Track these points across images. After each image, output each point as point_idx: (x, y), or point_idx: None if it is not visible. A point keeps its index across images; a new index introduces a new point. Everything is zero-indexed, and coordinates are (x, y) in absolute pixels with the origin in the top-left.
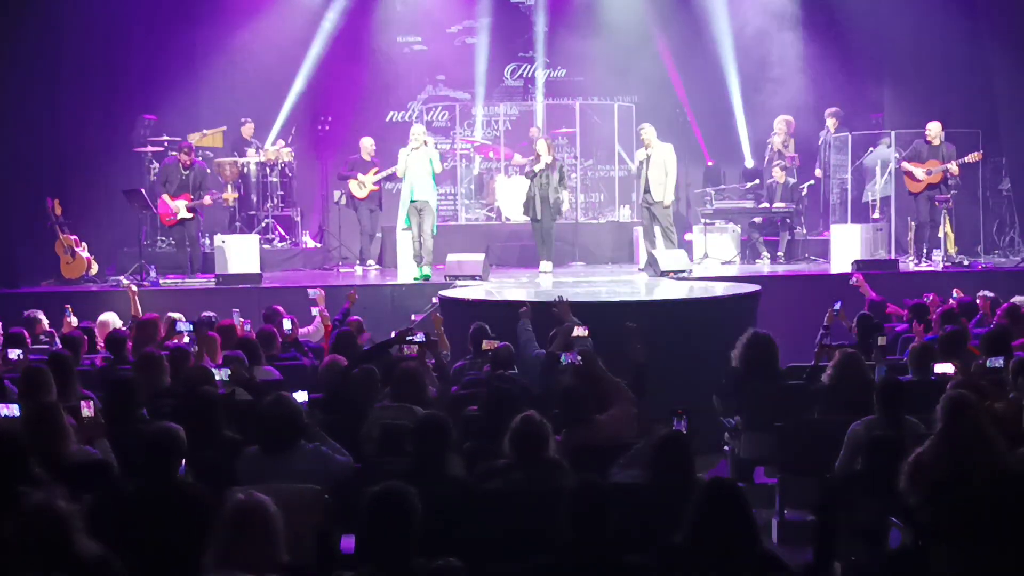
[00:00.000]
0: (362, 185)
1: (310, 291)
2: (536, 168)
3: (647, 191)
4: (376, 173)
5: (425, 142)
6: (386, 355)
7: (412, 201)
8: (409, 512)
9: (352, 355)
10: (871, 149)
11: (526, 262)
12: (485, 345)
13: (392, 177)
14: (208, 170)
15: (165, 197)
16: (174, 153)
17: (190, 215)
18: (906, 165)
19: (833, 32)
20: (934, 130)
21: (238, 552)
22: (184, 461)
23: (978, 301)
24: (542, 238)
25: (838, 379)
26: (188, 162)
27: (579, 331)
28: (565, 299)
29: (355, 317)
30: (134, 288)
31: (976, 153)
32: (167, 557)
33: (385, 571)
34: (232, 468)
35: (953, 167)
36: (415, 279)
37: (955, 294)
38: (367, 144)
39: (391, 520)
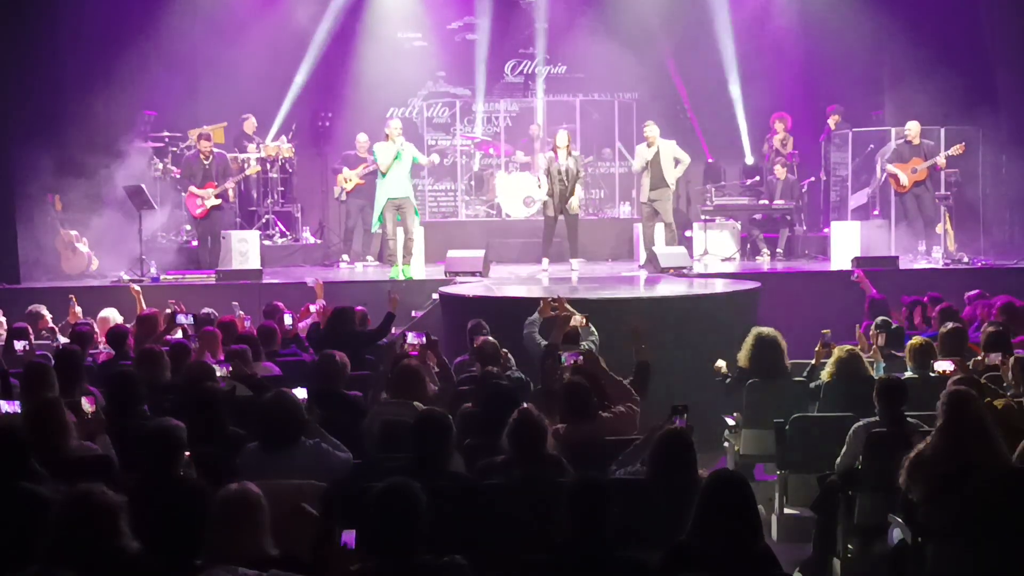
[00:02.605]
0: (347, 180)
1: (308, 280)
2: (561, 162)
3: (653, 188)
4: (365, 168)
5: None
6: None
7: (391, 199)
8: (416, 508)
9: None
10: (871, 147)
11: (526, 258)
12: (477, 342)
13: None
14: (227, 156)
15: (192, 189)
16: (176, 149)
17: (219, 201)
18: (890, 167)
19: (834, 29)
20: (913, 129)
21: (227, 543)
22: (188, 455)
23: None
24: (557, 235)
25: (837, 376)
26: (209, 151)
27: (577, 319)
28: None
29: (360, 308)
30: (137, 288)
31: (959, 146)
32: (167, 551)
33: (389, 566)
34: (234, 464)
35: (941, 159)
36: (390, 277)
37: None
38: (361, 140)
39: (398, 516)
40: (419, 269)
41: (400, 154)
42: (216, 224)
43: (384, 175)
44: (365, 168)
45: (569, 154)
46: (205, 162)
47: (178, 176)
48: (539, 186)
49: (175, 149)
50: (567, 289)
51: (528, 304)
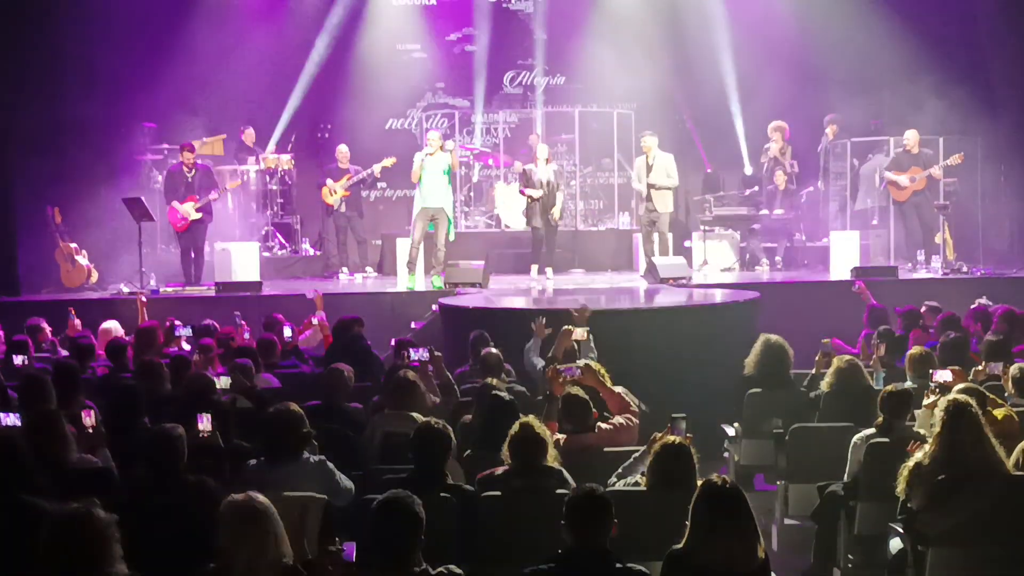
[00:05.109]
0: (332, 192)
1: (308, 292)
2: (542, 174)
3: (648, 199)
4: (349, 180)
5: (442, 147)
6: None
7: (424, 207)
8: (414, 520)
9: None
10: (870, 156)
11: (526, 269)
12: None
13: (368, 183)
14: (212, 169)
15: (175, 204)
16: (174, 161)
17: (199, 215)
18: (889, 175)
19: (832, 38)
20: (912, 139)
21: (235, 553)
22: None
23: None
24: (545, 245)
25: (837, 386)
26: (192, 163)
27: (579, 333)
28: (587, 307)
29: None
30: (143, 299)
31: (957, 155)
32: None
33: None
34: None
35: (937, 171)
36: (408, 287)
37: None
38: (342, 152)
39: (397, 528)
40: (420, 280)
41: (425, 164)
42: (199, 238)
43: (419, 184)
44: (349, 180)
45: (547, 165)
46: (188, 175)
47: (160, 189)
48: (524, 193)
49: (174, 161)
50: (547, 300)
51: (528, 315)
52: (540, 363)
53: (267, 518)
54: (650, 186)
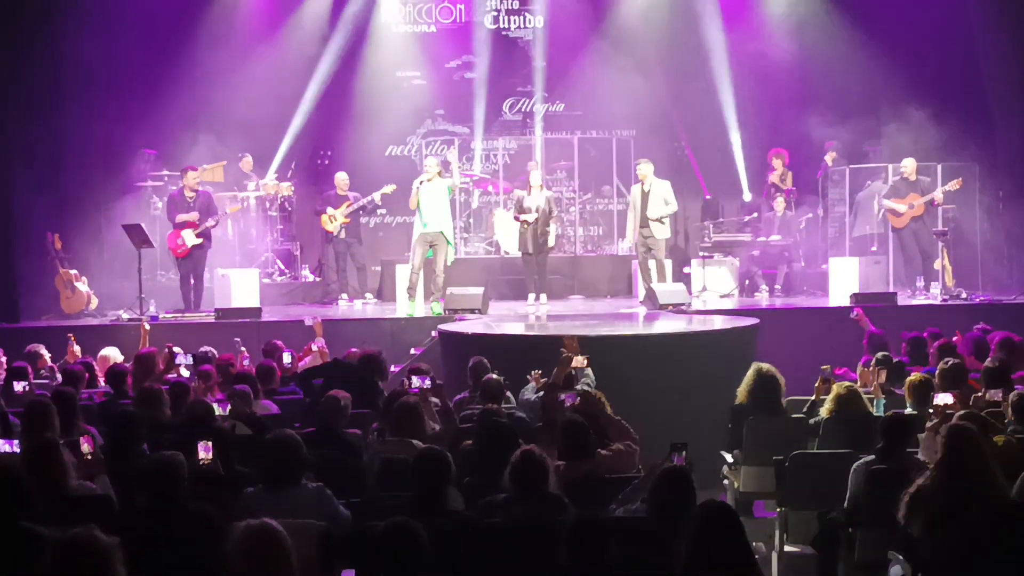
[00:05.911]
0: (332, 219)
1: (307, 319)
2: (535, 200)
3: (644, 226)
4: (349, 206)
5: (440, 173)
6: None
7: (423, 233)
8: (417, 547)
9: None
10: (869, 183)
11: (525, 296)
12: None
13: (369, 210)
14: (212, 195)
15: (180, 217)
16: (174, 187)
17: (199, 240)
18: (887, 203)
19: (831, 65)
20: (909, 166)
21: None
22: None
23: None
24: (536, 272)
25: (837, 412)
26: (194, 185)
27: (578, 360)
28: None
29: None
30: (147, 326)
31: (956, 181)
32: None
33: None
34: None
35: (939, 195)
36: (408, 313)
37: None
38: (341, 179)
39: (400, 555)
40: (419, 306)
41: (422, 190)
42: (199, 263)
43: (418, 210)
44: (348, 206)
45: (540, 192)
46: (189, 199)
47: (160, 216)
48: (519, 219)
49: (174, 187)
50: (540, 327)
51: (527, 341)
52: (534, 396)
53: (284, 544)
54: (650, 220)
